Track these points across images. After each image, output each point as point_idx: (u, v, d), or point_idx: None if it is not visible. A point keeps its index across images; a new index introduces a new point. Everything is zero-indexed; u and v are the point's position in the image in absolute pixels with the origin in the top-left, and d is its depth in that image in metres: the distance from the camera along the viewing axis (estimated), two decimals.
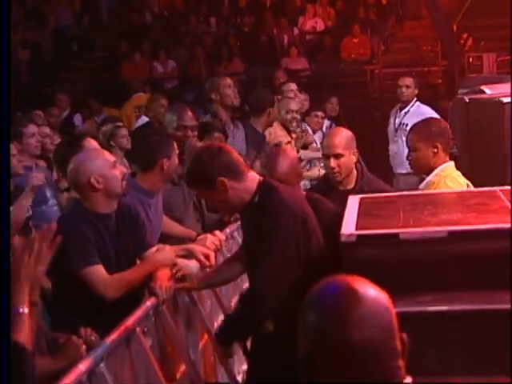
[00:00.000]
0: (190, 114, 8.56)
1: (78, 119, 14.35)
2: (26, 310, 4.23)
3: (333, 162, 6.67)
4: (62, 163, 6.79)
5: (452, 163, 6.68)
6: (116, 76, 19.25)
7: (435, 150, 6.55)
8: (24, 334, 4.20)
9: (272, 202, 5.31)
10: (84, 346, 5.07)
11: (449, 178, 6.55)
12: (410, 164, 6.87)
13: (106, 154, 6.23)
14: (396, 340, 2.38)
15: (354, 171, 6.81)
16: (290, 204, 5.32)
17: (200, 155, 5.53)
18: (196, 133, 8.41)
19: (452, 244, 4.90)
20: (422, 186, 6.67)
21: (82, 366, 4.74)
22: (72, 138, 6.64)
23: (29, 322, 4.25)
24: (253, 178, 5.43)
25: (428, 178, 6.59)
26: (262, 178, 5.46)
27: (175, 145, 7.07)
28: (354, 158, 6.80)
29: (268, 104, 10.35)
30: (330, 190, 6.62)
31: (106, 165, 5.98)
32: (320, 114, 12.67)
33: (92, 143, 7.06)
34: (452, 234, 4.96)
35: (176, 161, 6.97)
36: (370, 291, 2.39)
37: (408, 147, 6.76)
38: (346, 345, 2.32)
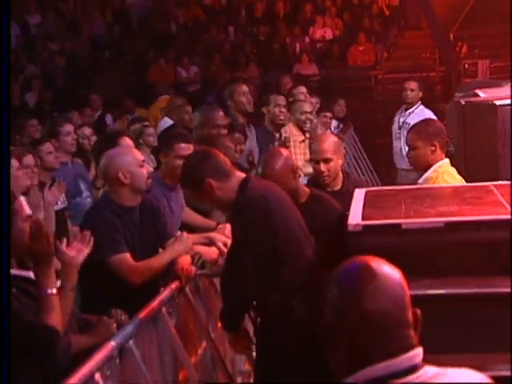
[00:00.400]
0: (221, 113, 8.47)
1: (109, 118, 14.37)
2: (55, 291, 4.26)
3: (322, 167, 6.58)
4: (98, 158, 6.76)
5: (447, 160, 6.68)
6: (143, 79, 19.27)
7: (433, 148, 6.55)
8: (54, 315, 4.22)
9: (237, 200, 5.27)
10: (114, 325, 5.08)
11: (446, 173, 6.56)
12: (409, 161, 6.86)
13: (136, 152, 6.24)
14: (408, 312, 2.40)
15: (340, 174, 6.74)
16: (254, 201, 5.25)
17: (189, 160, 5.58)
18: (227, 131, 8.31)
19: (449, 233, 4.90)
20: (420, 180, 6.66)
21: (114, 342, 4.75)
22: (108, 136, 6.62)
23: (58, 302, 4.26)
24: (238, 177, 5.39)
25: (426, 174, 6.58)
26: (243, 177, 5.42)
27: (178, 145, 6.98)
28: (340, 162, 6.73)
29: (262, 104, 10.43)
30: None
31: (134, 162, 5.98)
32: (328, 114, 12.69)
33: (127, 141, 7.02)
34: (449, 224, 4.96)
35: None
36: (385, 269, 2.42)
37: (408, 146, 6.76)
38: (361, 314, 2.35)
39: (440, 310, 4.43)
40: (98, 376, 4.50)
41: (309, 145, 10.53)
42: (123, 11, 21.90)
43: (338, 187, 6.65)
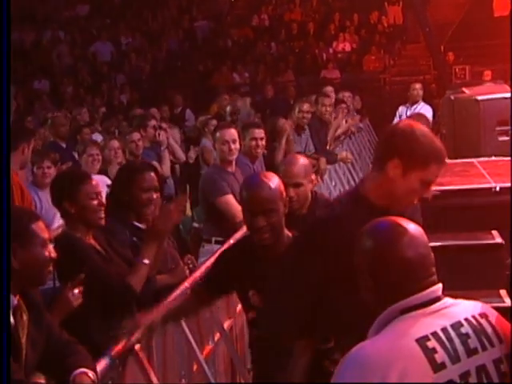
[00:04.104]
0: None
1: (188, 113, 14.34)
2: (148, 262, 4.14)
3: (292, 191, 4.55)
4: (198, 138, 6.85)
5: None
6: (208, 83, 19.26)
7: None
8: (139, 280, 4.11)
9: None
10: (187, 270, 5.04)
11: None
12: None
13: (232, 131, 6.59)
14: (431, 255, 2.38)
15: (309, 197, 4.80)
16: None
17: None
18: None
19: (444, 199, 4.85)
20: None
21: (187, 283, 4.73)
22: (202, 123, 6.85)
23: (146, 271, 4.15)
24: None
25: None
26: None
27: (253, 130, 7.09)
28: (310, 186, 4.81)
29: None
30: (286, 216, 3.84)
31: (232, 134, 6.45)
32: (343, 105, 12.38)
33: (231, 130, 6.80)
34: (444, 192, 4.90)
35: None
36: (409, 223, 2.39)
37: None
38: (402, 260, 2.32)
39: (437, 258, 4.37)
40: None
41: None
42: (191, 31, 21.86)
43: (304, 211, 4.75)
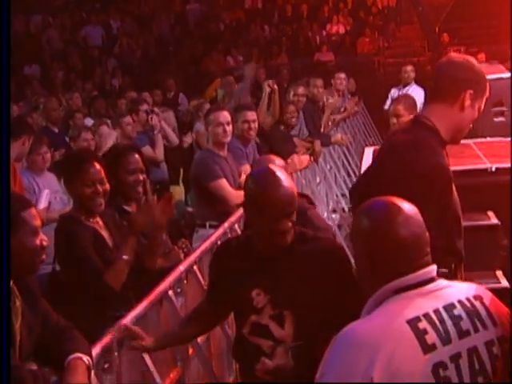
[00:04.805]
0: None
1: (182, 97, 14.32)
2: (126, 257, 4.09)
3: None
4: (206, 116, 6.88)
5: None
6: (200, 67, 19.22)
7: (412, 116, 6.47)
8: (116, 276, 4.05)
9: None
10: (182, 254, 5.05)
11: None
12: (393, 126, 6.75)
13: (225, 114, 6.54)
14: (426, 234, 2.37)
15: None
16: None
17: None
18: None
19: None
20: None
21: (182, 267, 4.74)
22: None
23: (126, 267, 4.08)
24: None
25: None
26: None
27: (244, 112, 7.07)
28: None
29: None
30: None
31: (225, 116, 6.43)
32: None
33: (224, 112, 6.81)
34: None
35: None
36: (404, 203, 2.38)
37: (394, 115, 6.63)
38: (397, 239, 2.31)
39: None
40: (170, 292, 4.51)
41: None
42: (183, 15, 21.81)
43: None
